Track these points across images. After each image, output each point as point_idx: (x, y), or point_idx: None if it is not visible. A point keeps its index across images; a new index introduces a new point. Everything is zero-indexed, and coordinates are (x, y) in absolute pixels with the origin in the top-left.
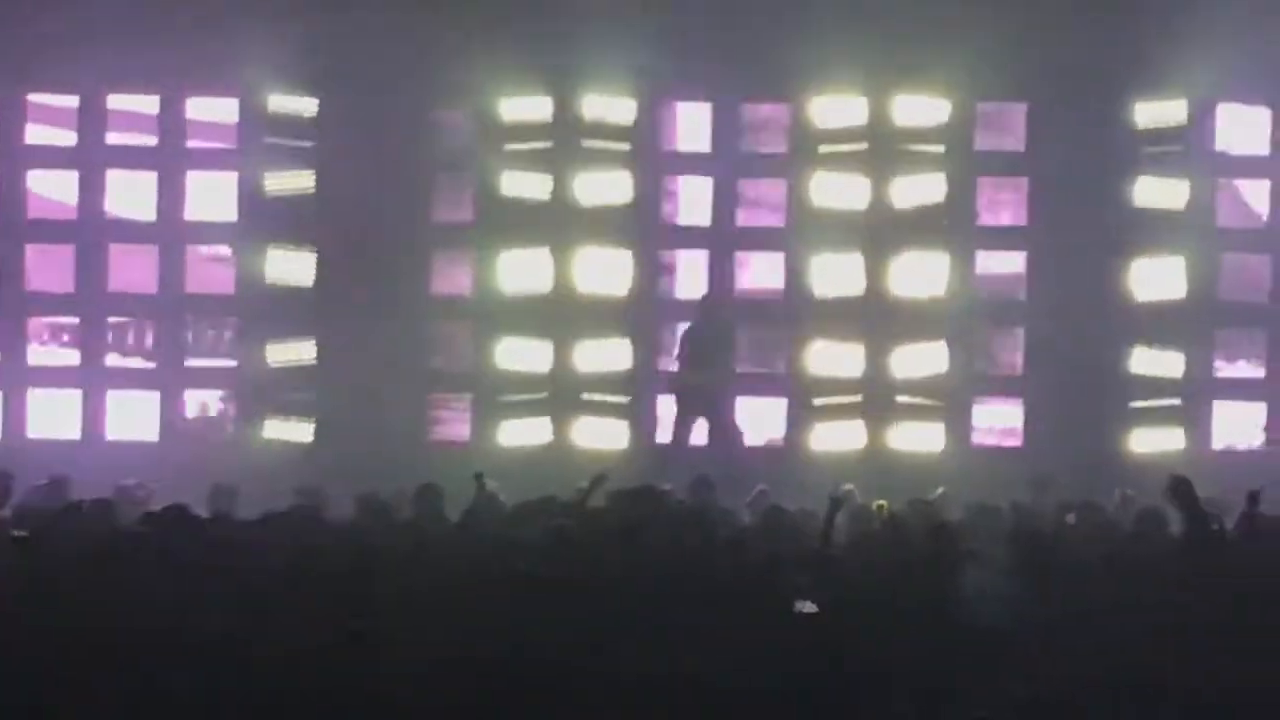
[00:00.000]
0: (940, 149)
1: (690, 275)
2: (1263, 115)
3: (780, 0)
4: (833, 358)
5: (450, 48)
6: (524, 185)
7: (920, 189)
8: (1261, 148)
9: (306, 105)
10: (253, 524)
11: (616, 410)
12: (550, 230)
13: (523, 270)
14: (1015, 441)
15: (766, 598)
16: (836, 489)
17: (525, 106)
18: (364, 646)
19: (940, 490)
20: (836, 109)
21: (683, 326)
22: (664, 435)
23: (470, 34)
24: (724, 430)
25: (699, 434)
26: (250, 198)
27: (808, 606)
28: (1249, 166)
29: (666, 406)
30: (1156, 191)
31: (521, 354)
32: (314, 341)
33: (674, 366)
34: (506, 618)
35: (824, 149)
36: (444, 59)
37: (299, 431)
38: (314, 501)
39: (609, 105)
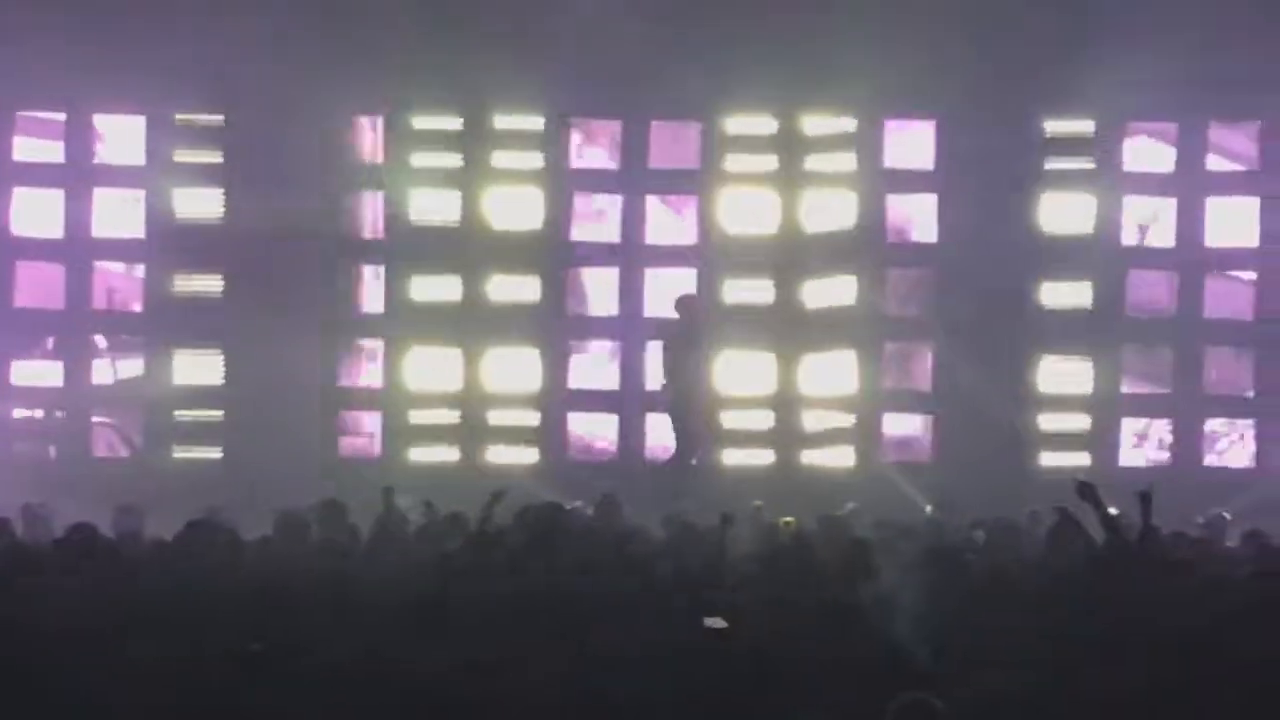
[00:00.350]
0: (851, 167)
1: (601, 292)
2: (1169, 131)
3: (690, 19)
4: (742, 373)
5: (361, 65)
6: (434, 202)
7: (830, 207)
8: (1167, 165)
9: (214, 122)
10: (161, 544)
11: (527, 425)
12: (460, 249)
13: (433, 287)
14: (924, 457)
15: (675, 613)
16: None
17: (436, 124)
18: (265, 665)
19: (850, 506)
20: (746, 128)
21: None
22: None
23: (380, 51)
24: (688, 438)
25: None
26: (157, 215)
27: (716, 623)
28: (1155, 184)
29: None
30: (1064, 208)
31: (432, 369)
32: (221, 359)
33: (661, 380)
34: (411, 636)
35: (733, 168)
36: (355, 76)
37: (207, 450)
38: (221, 520)
39: (519, 123)
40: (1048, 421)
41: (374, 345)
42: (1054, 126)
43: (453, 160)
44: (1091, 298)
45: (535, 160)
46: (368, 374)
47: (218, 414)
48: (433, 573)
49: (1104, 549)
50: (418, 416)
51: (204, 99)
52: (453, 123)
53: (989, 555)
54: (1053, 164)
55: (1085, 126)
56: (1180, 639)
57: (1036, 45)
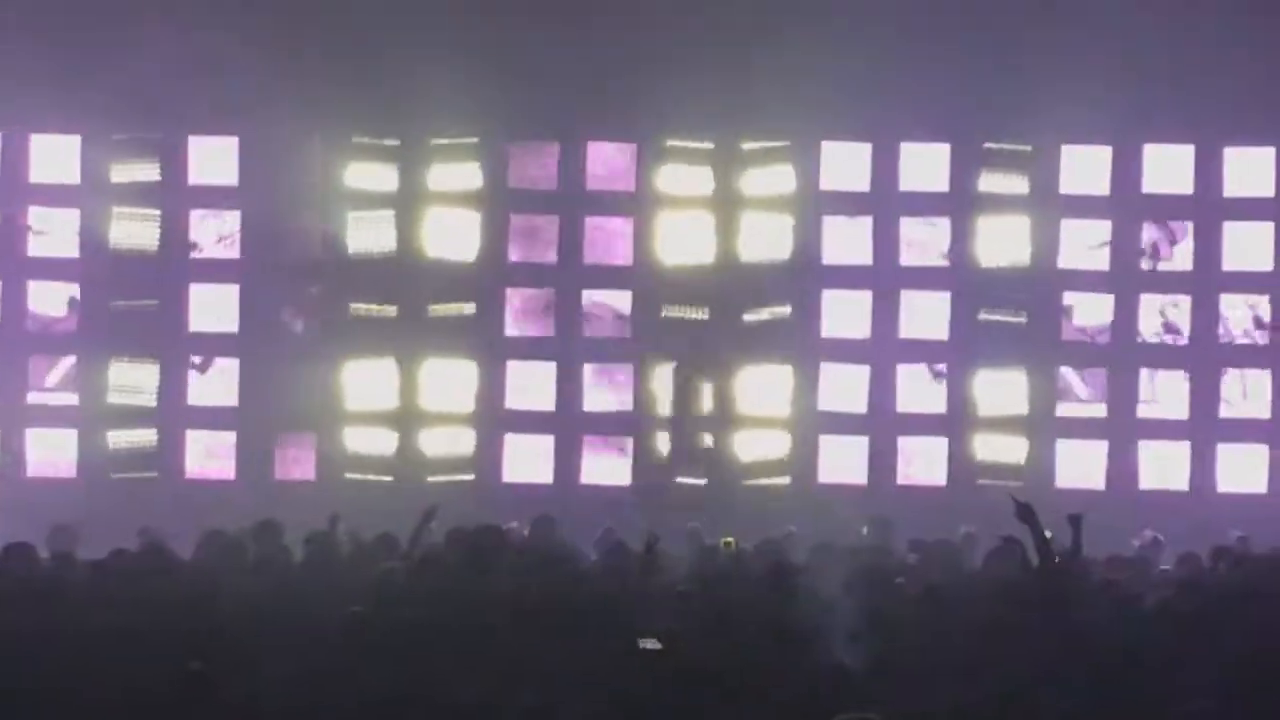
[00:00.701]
0: (790, 190)
1: (536, 312)
2: (1105, 155)
3: (629, 45)
4: (684, 394)
5: (297, 86)
6: (370, 227)
7: (768, 231)
8: (1102, 188)
9: (151, 143)
10: (97, 564)
11: (462, 445)
12: (397, 272)
13: (370, 311)
14: (862, 480)
15: (611, 634)
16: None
17: (374, 146)
18: (203, 686)
19: (789, 530)
20: (684, 150)
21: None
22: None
23: (316, 74)
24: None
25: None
26: (93, 235)
27: (651, 644)
28: (1090, 207)
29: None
30: (1001, 232)
31: (367, 389)
32: (158, 377)
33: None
34: (346, 656)
35: (670, 191)
36: (291, 97)
37: (142, 469)
38: (158, 541)
39: (457, 148)
40: (984, 443)
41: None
42: (993, 150)
43: (389, 182)
44: (1027, 318)
45: (474, 181)
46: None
47: (152, 434)
48: (368, 593)
49: (1038, 572)
50: (353, 438)
51: (140, 121)
52: (391, 145)
53: (924, 576)
54: (989, 187)
55: (1022, 149)
56: (1105, 660)
57: (972, 70)
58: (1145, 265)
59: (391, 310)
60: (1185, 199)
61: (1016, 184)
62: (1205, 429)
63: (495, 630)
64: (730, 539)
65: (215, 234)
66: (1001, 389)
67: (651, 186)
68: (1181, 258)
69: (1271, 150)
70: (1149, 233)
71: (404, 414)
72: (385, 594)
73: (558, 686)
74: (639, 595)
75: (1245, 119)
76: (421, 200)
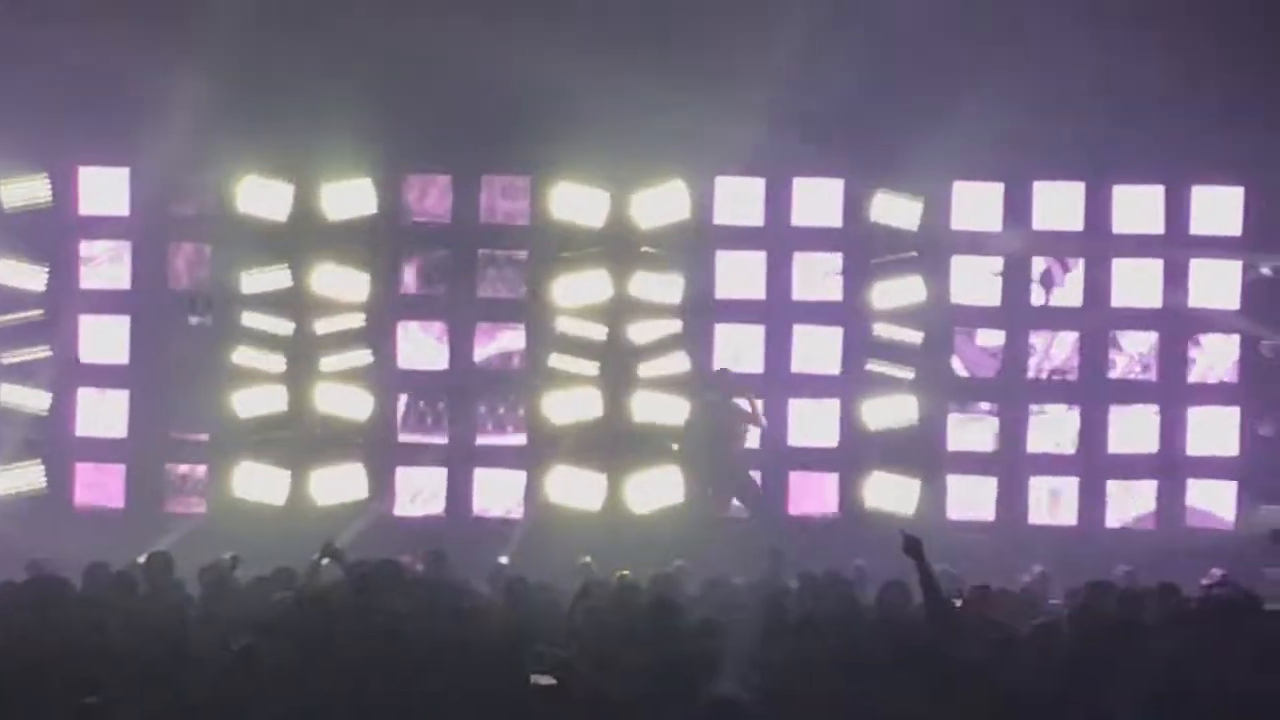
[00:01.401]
0: (684, 223)
1: (426, 347)
2: (996, 192)
3: (523, 86)
4: (571, 436)
5: (190, 122)
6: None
7: (658, 276)
8: (995, 224)
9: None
10: None
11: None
12: (290, 303)
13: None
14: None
15: (505, 668)
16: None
17: (263, 188)
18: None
19: (679, 563)
20: (576, 195)
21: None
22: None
23: (209, 113)
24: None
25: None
26: None
27: (545, 679)
28: (982, 244)
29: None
30: (895, 281)
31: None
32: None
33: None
34: (242, 687)
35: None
36: (185, 132)
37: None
38: (49, 574)
39: (347, 187)
40: (877, 477)
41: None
42: (883, 200)
43: (281, 217)
44: (921, 355)
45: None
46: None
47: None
48: (264, 627)
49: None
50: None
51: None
52: (283, 187)
53: (817, 609)
54: (882, 234)
55: (914, 190)
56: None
57: (860, 108)
58: (1037, 299)
59: (286, 332)
60: (1075, 235)
61: (908, 219)
62: (1094, 464)
63: (387, 663)
64: (625, 571)
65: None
66: (893, 422)
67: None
68: (1073, 292)
69: (1160, 188)
70: (1041, 265)
71: (297, 446)
72: (278, 626)
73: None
74: (530, 629)
75: (1135, 157)
76: (314, 234)
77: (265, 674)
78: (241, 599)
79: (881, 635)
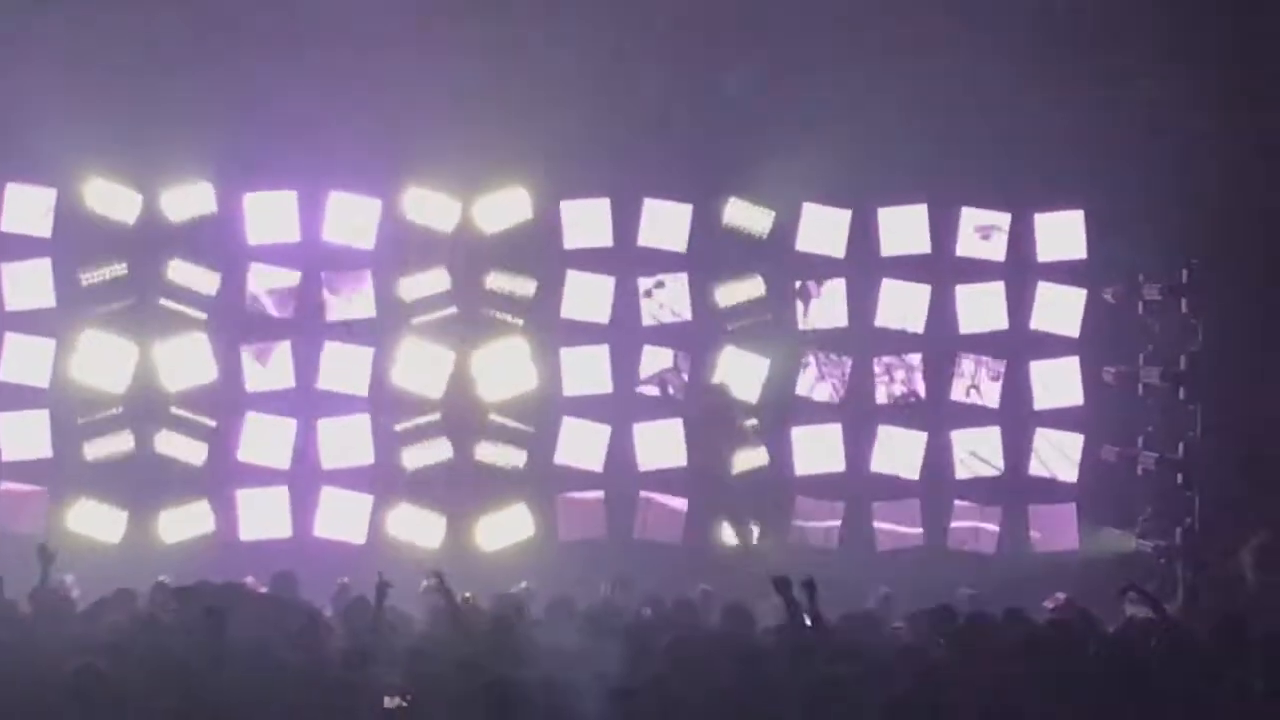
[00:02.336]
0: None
1: (279, 366)
2: (844, 217)
3: (374, 94)
4: (418, 451)
5: (33, 123)
6: (107, 270)
7: (510, 283)
8: (839, 250)
9: None
10: None
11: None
12: (131, 317)
13: (103, 358)
14: (601, 533)
15: (348, 690)
16: (384, 579)
17: (109, 192)
18: None
19: (524, 585)
20: (426, 203)
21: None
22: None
23: (48, 120)
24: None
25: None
26: None
27: (395, 702)
28: (829, 267)
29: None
30: (740, 292)
31: (102, 444)
32: None
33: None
34: (74, 712)
35: (412, 244)
36: (28, 132)
37: None
38: None
39: (191, 196)
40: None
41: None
42: (736, 208)
43: (125, 227)
44: (766, 378)
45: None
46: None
47: None
48: (100, 650)
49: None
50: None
51: None
52: (128, 194)
53: (662, 633)
54: (732, 248)
55: (764, 211)
56: None
57: (714, 128)
58: (883, 321)
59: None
60: (924, 259)
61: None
62: (938, 487)
63: (227, 687)
64: (469, 594)
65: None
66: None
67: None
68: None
69: (1007, 215)
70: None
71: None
72: (117, 648)
73: None
74: (373, 653)
75: (980, 183)
76: (159, 248)
77: (101, 696)
78: (76, 622)
79: (731, 658)
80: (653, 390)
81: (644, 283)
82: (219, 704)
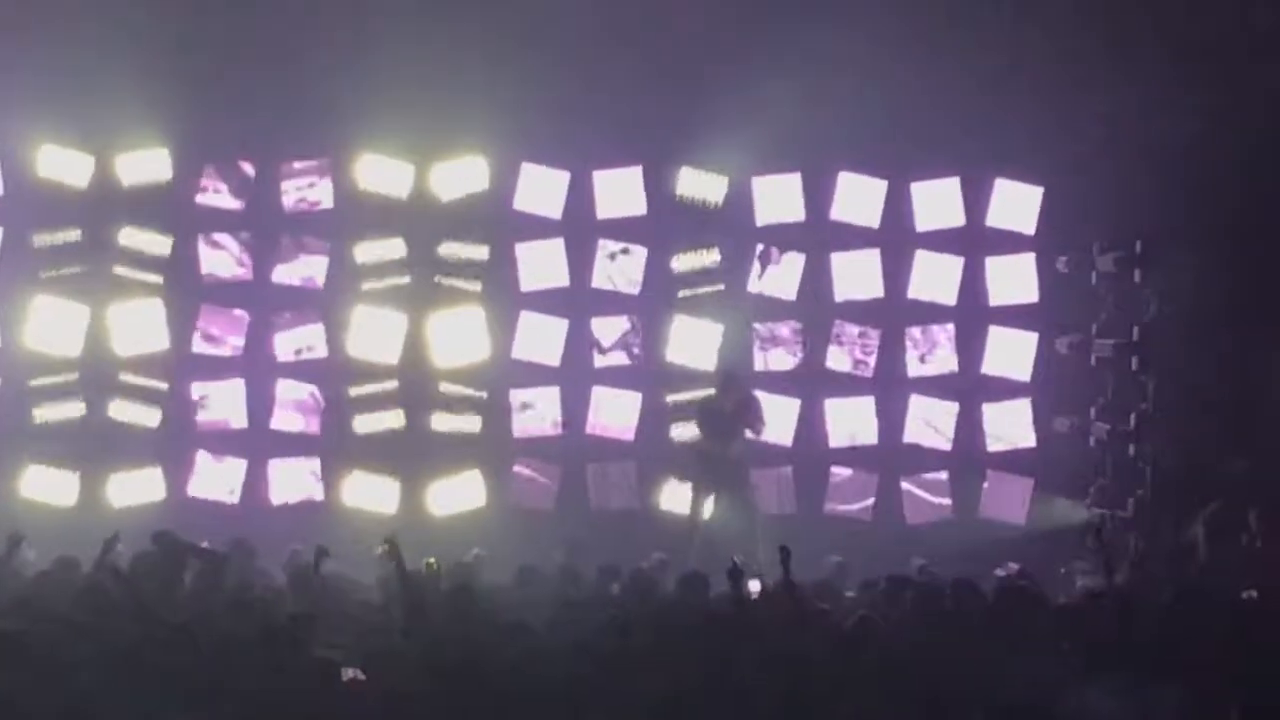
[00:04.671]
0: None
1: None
2: (795, 182)
3: (320, 60)
4: (371, 418)
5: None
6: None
7: (464, 250)
8: (798, 215)
9: None
10: None
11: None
12: (82, 285)
13: (53, 326)
14: (549, 504)
15: (295, 655)
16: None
17: (61, 157)
18: None
19: (475, 552)
20: (379, 171)
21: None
22: (680, 508)
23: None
24: (745, 503)
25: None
26: None
27: (356, 674)
28: (785, 236)
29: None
30: (694, 260)
31: (52, 408)
32: None
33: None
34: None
35: (366, 211)
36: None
37: None
38: None
39: (145, 161)
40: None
41: None
42: (689, 176)
43: (79, 198)
44: (720, 348)
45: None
46: None
47: None
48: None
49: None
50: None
51: None
52: (83, 160)
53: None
54: (686, 217)
55: (719, 180)
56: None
57: (665, 95)
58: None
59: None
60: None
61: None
62: (894, 456)
63: (175, 650)
64: (432, 560)
65: None
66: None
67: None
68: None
69: (956, 180)
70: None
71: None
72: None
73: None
74: (331, 618)
75: (932, 152)
76: (114, 218)
77: (35, 661)
78: (21, 585)
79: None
80: (619, 356)
81: (608, 246)
82: (166, 672)
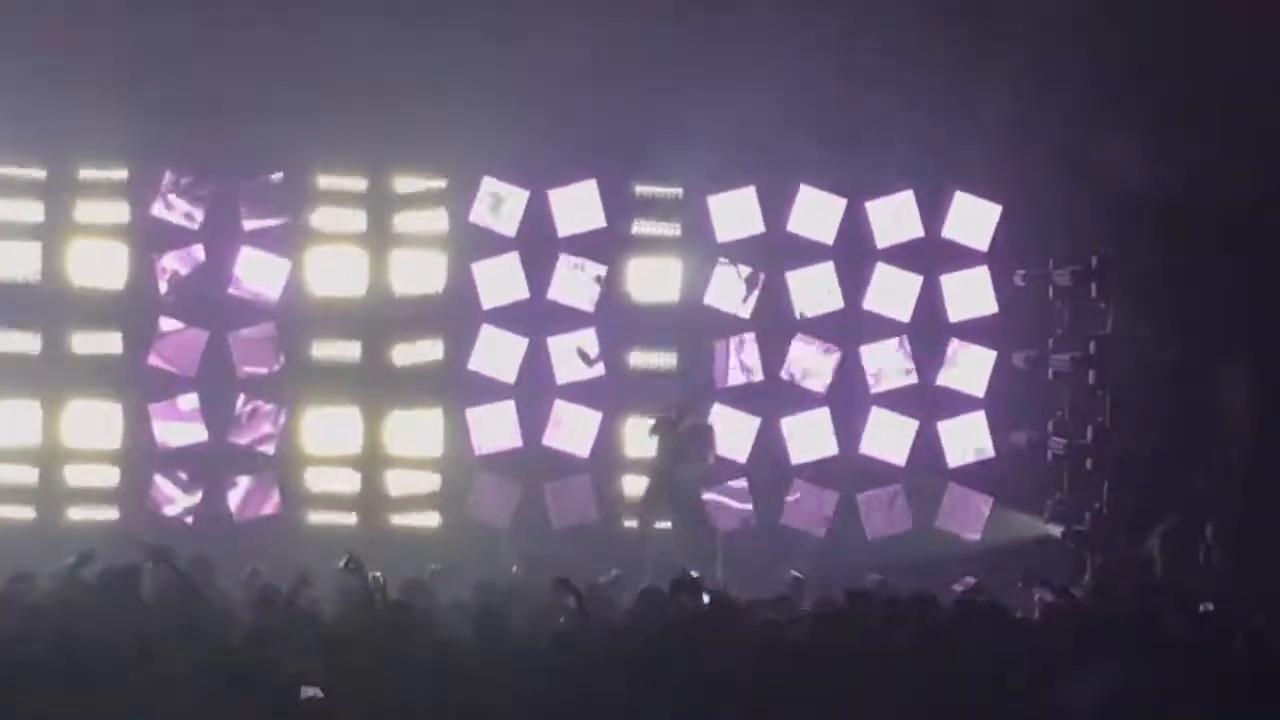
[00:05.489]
0: (441, 230)
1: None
2: (750, 196)
3: (283, 78)
4: (327, 431)
5: None
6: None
7: (419, 270)
8: (757, 227)
9: None
10: None
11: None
12: (41, 304)
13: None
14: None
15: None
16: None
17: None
18: None
19: (434, 567)
20: (336, 185)
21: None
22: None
23: None
24: (702, 522)
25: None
26: None
27: (313, 692)
28: (744, 250)
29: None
30: (653, 275)
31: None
32: None
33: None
34: None
35: (322, 225)
36: None
37: None
38: None
39: (105, 176)
40: (632, 483)
41: None
42: (644, 193)
43: (34, 213)
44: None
45: (121, 214)
46: None
47: None
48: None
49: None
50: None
51: None
52: (35, 174)
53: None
54: (642, 229)
55: (674, 192)
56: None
57: (624, 111)
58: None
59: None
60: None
61: (667, 226)
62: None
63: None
64: (378, 574)
65: None
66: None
67: (305, 221)
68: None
69: (910, 193)
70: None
71: (47, 450)
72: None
73: None
74: (290, 636)
75: (888, 169)
76: (68, 232)
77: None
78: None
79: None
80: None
81: (569, 260)
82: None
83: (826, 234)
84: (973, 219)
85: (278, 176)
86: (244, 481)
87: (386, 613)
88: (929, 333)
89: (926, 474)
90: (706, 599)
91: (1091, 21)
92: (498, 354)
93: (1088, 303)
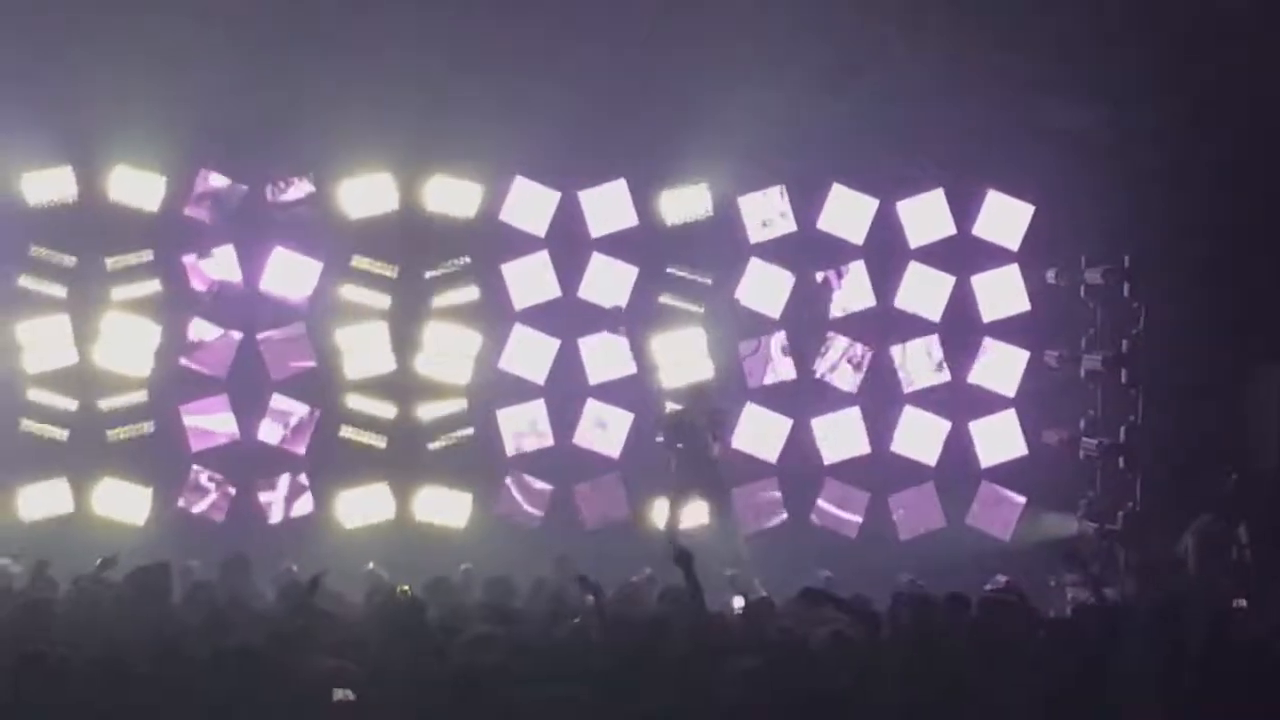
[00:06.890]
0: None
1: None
2: (779, 195)
3: (300, 85)
4: (358, 435)
5: None
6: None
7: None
8: (790, 227)
9: None
10: None
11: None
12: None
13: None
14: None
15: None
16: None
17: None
18: None
19: (464, 567)
20: (364, 188)
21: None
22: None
23: None
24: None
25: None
26: None
27: (345, 694)
28: (776, 251)
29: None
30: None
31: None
32: None
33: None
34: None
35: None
36: None
37: None
38: None
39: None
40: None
41: None
42: (671, 197)
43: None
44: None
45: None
46: None
47: None
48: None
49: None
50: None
51: None
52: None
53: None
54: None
55: (701, 197)
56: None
57: (650, 116)
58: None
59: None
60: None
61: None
62: (883, 469)
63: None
64: (406, 586)
65: None
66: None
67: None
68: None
69: (940, 191)
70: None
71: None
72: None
73: None
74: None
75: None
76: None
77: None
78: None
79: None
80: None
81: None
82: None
83: (858, 233)
84: (1004, 218)
85: (309, 178)
86: (281, 481)
87: (399, 610)
88: (961, 332)
89: (960, 473)
90: (739, 602)
91: (1124, 21)
92: (529, 354)
93: (1120, 302)
